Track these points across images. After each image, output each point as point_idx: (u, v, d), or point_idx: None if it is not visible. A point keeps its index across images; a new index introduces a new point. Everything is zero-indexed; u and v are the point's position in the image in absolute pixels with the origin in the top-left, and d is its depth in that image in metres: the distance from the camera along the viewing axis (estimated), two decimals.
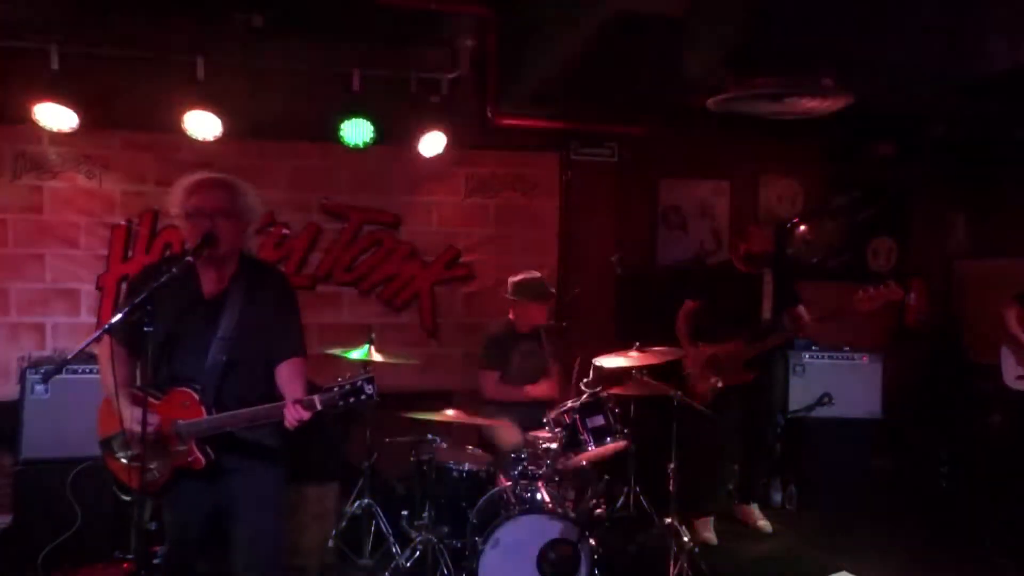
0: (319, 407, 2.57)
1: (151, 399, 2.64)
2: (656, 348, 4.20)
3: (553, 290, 4.78)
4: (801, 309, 4.70)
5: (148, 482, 2.65)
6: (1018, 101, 4.69)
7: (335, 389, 2.57)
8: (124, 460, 2.69)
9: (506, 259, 5.39)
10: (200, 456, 2.64)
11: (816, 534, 4.90)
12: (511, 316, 4.60)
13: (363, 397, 2.56)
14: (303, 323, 2.91)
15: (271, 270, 3.14)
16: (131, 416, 2.56)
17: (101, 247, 4.82)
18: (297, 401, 2.57)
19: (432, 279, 5.39)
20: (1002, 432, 5.35)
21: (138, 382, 2.74)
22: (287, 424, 2.58)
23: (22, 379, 4.19)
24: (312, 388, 2.81)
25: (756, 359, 4.64)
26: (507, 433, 4.24)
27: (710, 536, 4.72)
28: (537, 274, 4.58)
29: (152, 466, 2.64)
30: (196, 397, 2.64)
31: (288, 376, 2.75)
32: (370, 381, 2.56)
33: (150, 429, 2.52)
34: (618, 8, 3.48)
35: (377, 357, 4.04)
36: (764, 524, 4.92)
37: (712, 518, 4.81)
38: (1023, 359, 4.98)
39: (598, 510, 4.01)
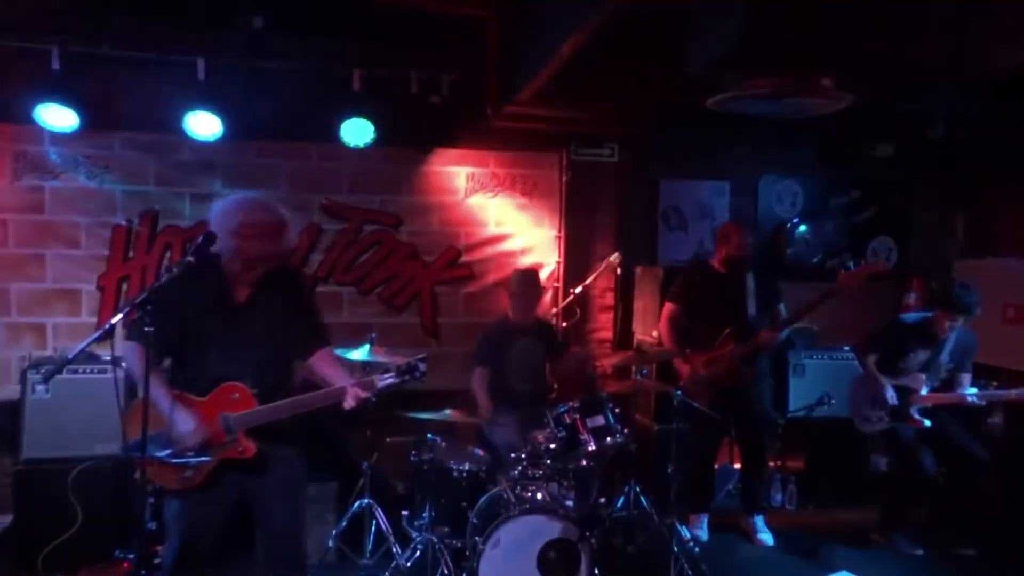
0: (379, 387, 2.88)
1: (194, 397, 2.81)
2: (656, 349, 4.21)
3: (540, 287, 4.77)
4: (781, 308, 4.68)
5: (188, 477, 2.78)
6: (1018, 101, 4.69)
7: (392, 370, 2.90)
8: (167, 460, 2.75)
9: (506, 259, 5.39)
10: (251, 445, 2.81)
11: (816, 534, 4.90)
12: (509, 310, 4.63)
13: (417, 374, 2.91)
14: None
15: (292, 272, 3.43)
16: (181, 418, 2.73)
17: (102, 247, 4.82)
18: (357, 383, 2.85)
19: (432, 279, 5.39)
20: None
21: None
22: (346, 406, 2.86)
23: (23, 379, 4.19)
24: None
25: (749, 360, 4.56)
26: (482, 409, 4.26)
27: (700, 533, 4.72)
28: (533, 268, 4.60)
29: (195, 462, 2.75)
30: (247, 390, 2.81)
31: (328, 363, 3.02)
32: (423, 360, 2.93)
33: (202, 429, 2.75)
34: (618, 7, 3.47)
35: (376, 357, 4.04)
36: (764, 537, 4.76)
37: (707, 515, 4.80)
38: None
39: (598, 510, 4.01)
